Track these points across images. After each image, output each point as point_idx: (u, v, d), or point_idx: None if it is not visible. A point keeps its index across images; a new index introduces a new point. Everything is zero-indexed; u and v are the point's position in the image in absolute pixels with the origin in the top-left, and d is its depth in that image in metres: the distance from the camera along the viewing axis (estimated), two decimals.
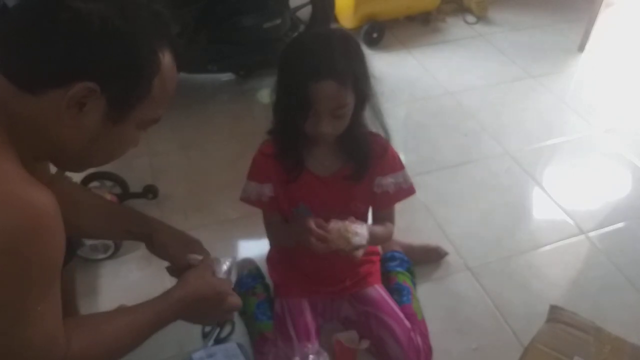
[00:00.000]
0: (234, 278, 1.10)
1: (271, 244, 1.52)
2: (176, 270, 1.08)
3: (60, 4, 0.68)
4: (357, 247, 1.19)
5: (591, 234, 1.83)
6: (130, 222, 1.13)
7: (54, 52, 0.68)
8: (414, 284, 1.59)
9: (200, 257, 1.06)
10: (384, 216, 1.39)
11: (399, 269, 1.58)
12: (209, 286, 0.98)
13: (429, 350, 1.39)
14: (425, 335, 1.42)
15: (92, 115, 0.73)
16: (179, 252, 1.08)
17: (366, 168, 1.28)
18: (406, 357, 1.34)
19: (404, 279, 1.56)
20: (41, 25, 0.69)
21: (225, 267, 1.07)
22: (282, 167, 1.27)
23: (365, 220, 1.38)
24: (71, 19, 0.68)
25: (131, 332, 0.89)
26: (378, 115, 1.23)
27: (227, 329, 1.48)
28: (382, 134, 1.28)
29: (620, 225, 1.87)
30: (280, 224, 1.38)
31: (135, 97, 0.75)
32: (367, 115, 1.23)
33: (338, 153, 1.28)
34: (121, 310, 0.93)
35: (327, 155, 1.28)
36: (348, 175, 1.28)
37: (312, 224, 1.18)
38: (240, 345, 1.40)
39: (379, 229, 1.34)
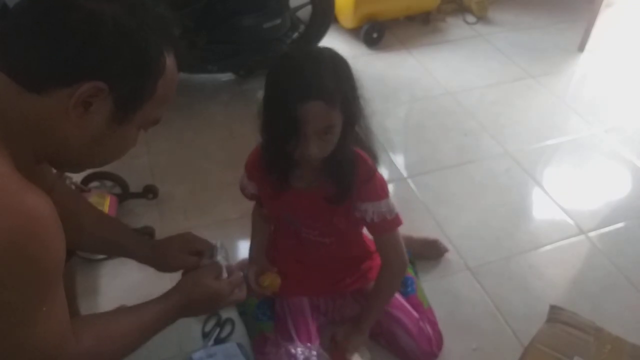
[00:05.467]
0: (227, 260, 1.11)
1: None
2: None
3: (72, 4, 0.68)
4: None
5: (591, 234, 1.83)
6: (127, 237, 1.15)
7: (66, 51, 0.68)
8: (416, 273, 1.60)
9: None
10: (383, 247, 1.32)
11: None
12: (206, 291, 1.01)
13: (439, 336, 1.41)
14: (434, 323, 1.43)
15: (97, 115, 0.73)
16: (184, 257, 1.12)
17: (347, 194, 1.20)
18: (418, 347, 1.37)
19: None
20: (53, 24, 0.68)
21: (221, 254, 1.11)
22: (268, 180, 1.25)
23: (353, 236, 1.39)
24: (84, 18, 0.68)
25: (136, 331, 0.91)
26: (368, 137, 1.20)
27: (227, 329, 1.48)
28: (371, 155, 1.24)
29: (620, 225, 1.87)
30: (258, 229, 1.45)
31: (141, 98, 0.75)
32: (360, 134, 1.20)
33: (321, 172, 1.22)
34: (125, 310, 0.94)
35: (310, 173, 1.24)
36: (327, 197, 1.22)
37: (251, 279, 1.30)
38: (240, 345, 1.40)
39: (377, 305, 1.35)
